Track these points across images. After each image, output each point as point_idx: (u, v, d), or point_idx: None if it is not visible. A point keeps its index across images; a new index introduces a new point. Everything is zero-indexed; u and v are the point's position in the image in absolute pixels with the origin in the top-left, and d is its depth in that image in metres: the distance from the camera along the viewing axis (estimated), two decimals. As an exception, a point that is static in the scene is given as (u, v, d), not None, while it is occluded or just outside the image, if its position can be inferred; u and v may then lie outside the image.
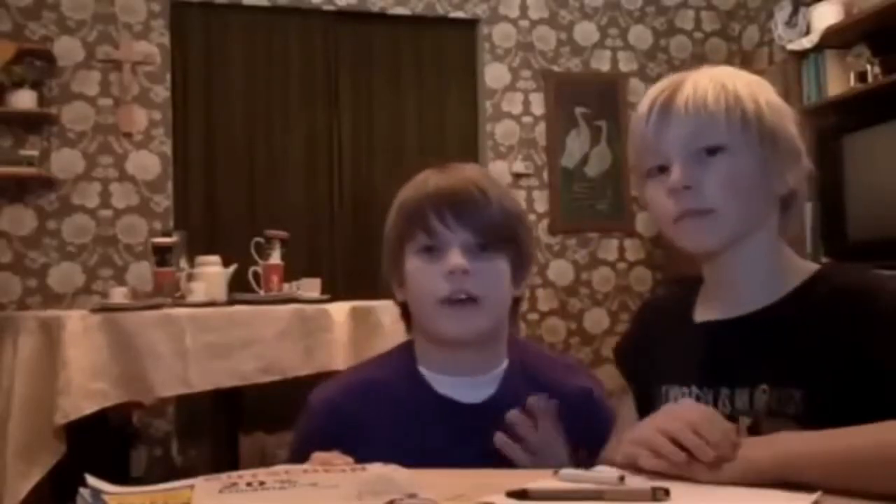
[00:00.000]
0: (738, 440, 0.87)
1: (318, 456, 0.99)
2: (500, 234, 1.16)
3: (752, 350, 1.01)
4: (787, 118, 1.04)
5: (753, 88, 1.03)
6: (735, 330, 1.04)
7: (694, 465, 0.86)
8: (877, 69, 3.78)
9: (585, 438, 1.15)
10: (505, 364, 1.21)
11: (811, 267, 1.05)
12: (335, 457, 0.97)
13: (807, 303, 0.99)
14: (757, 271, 1.04)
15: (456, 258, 1.13)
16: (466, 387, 1.18)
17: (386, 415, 1.17)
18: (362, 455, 0.99)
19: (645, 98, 1.06)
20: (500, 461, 1.10)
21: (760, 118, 1.01)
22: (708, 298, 1.11)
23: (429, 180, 1.19)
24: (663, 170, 1.03)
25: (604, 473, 0.86)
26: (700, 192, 0.99)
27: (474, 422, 1.15)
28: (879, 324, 0.92)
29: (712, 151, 1.00)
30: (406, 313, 1.24)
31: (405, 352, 1.24)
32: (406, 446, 1.11)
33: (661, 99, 1.03)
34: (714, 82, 1.02)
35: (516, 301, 1.23)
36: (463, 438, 1.13)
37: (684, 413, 0.91)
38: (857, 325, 0.93)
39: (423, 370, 1.21)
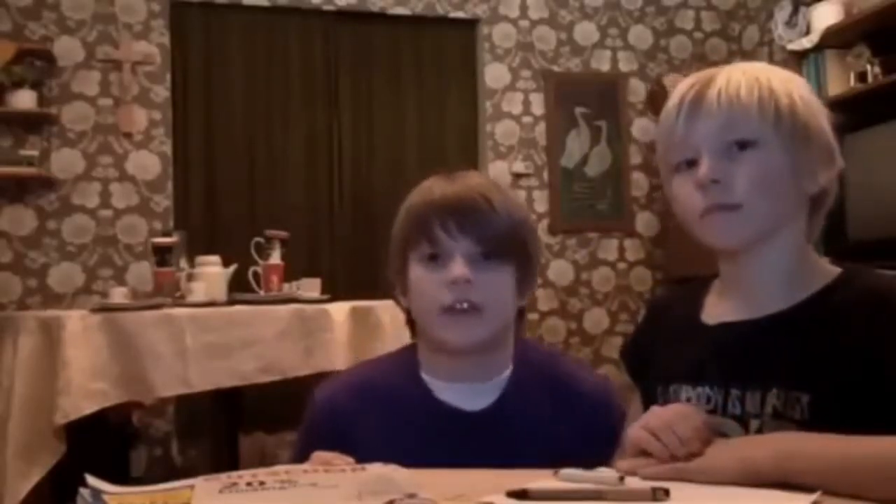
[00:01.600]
0: (709, 436, 0.90)
1: (318, 455, 0.99)
2: (505, 244, 1.15)
3: (767, 353, 0.99)
4: (820, 115, 1.03)
5: (787, 83, 1.01)
6: (751, 332, 1.02)
7: (685, 464, 0.87)
8: (877, 69, 3.78)
9: (602, 434, 1.13)
10: (508, 371, 1.20)
11: (834, 271, 1.03)
12: (335, 457, 0.97)
13: (825, 308, 0.97)
14: (779, 272, 1.02)
15: (458, 268, 1.12)
16: (468, 394, 1.18)
17: (386, 418, 1.17)
18: (362, 457, 0.99)
19: (675, 92, 1.04)
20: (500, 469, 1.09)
21: (794, 113, 0.99)
22: (722, 298, 1.09)
23: (434, 188, 1.18)
24: (692, 164, 1.01)
25: (604, 473, 0.86)
26: (729, 186, 0.98)
27: (474, 429, 1.15)
28: (889, 325, 0.91)
29: (743, 146, 0.98)
30: (411, 319, 1.23)
31: (409, 356, 1.24)
32: (405, 452, 1.10)
33: (693, 92, 1.01)
34: (747, 76, 1.00)
35: (521, 310, 1.22)
36: (463, 445, 1.12)
37: (664, 411, 0.94)
38: (872, 331, 0.92)
39: (424, 376, 1.20)
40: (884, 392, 0.89)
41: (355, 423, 1.17)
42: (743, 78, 1.00)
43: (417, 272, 1.16)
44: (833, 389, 0.92)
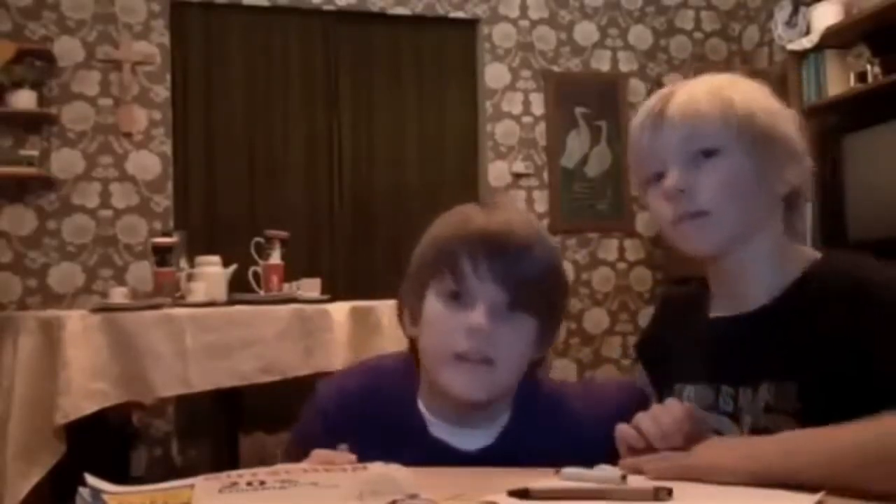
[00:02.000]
0: (692, 429, 0.92)
1: (318, 454, 0.98)
2: (534, 295, 1.07)
3: (755, 348, 1.01)
4: (784, 120, 1.05)
5: (748, 93, 1.04)
6: (738, 327, 1.04)
7: (690, 463, 0.87)
8: (877, 69, 3.78)
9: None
10: (508, 414, 1.13)
11: (811, 257, 1.05)
12: (336, 456, 0.97)
13: (804, 297, 0.99)
14: (760, 271, 1.05)
15: (480, 317, 1.04)
16: (463, 434, 1.12)
17: (380, 444, 1.08)
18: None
19: (642, 108, 1.08)
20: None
21: (754, 121, 1.01)
22: (715, 297, 1.12)
23: (471, 220, 1.09)
24: (661, 176, 1.04)
25: (606, 472, 0.85)
26: (694, 195, 1.01)
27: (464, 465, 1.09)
28: (873, 315, 0.92)
29: (706, 154, 1.01)
30: (414, 348, 1.15)
31: (410, 377, 1.16)
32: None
33: (657, 107, 1.05)
34: (707, 87, 1.04)
35: (539, 361, 1.14)
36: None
37: (654, 407, 0.96)
38: (853, 320, 0.93)
39: (422, 408, 1.14)
40: (873, 384, 0.90)
41: (350, 439, 1.09)
42: (703, 90, 1.03)
43: (436, 308, 1.08)
44: (818, 378, 0.94)
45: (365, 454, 1.03)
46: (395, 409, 1.15)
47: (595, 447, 1.00)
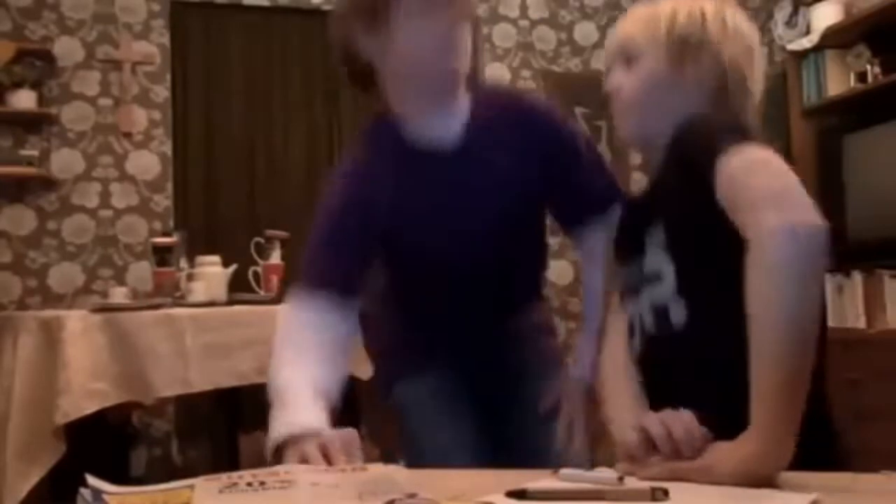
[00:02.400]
0: (701, 442, 0.91)
1: (317, 455, 0.99)
2: (470, 7, 1.38)
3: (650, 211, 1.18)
4: (709, 28, 1.19)
5: (681, 6, 1.20)
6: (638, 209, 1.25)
7: (684, 465, 0.88)
8: (877, 69, 3.78)
9: (549, 146, 1.50)
10: (467, 106, 1.42)
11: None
12: (335, 452, 0.97)
13: (670, 157, 1.15)
14: None
15: (446, 28, 1.32)
16: (437, 122, 1.39)
17: (390, 171, 1.38)
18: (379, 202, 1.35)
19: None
20: (472, 209, 1.42)
21: (671, 30, 1.19)
22: None
23: None
24: None
25: (603, 473, 0.86)
26: (620, 92, 1.25)
27: (446, 165, 1.39)
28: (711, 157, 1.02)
29: (632, 60, 1.22)
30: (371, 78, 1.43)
31: (392, 118, 1.42)
32: (402, 195, 1.38)
33: (615, 27, 1.29)
34: (645, 7, 1.24)
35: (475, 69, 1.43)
36: (439, 183, 1.38)
37: (663, 412, 0.95)
38: (696, 161, 1.05)
39: (402, 129, 1.40)
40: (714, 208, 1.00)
41: (376, 178, 1.38)
42: (640, 10, 1.24)
43: (405, 25, 1.33)
44: (678, 216, 1.10)
45: (385, 182, 1.37)
46: (388, 145, 1.41)
47: (544, 138, 1.50)
